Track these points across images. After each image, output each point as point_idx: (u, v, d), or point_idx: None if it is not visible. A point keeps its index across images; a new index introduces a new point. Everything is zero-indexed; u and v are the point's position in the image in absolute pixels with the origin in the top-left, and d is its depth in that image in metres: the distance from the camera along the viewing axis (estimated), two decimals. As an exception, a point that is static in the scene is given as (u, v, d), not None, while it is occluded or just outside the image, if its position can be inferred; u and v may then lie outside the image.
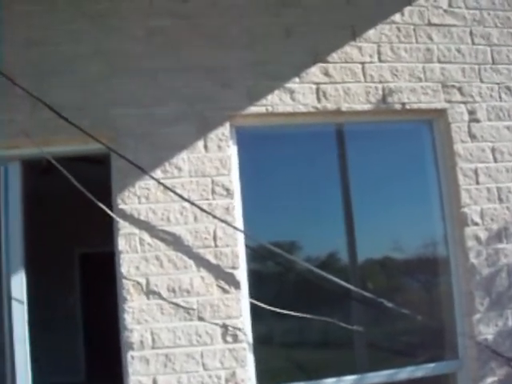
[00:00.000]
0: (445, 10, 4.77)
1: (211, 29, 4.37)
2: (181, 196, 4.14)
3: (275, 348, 4.53)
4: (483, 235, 4.49)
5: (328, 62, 4.47)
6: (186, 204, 4.16)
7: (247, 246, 4.29)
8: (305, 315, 4.19)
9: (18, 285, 4.33)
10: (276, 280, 4.55)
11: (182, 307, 4.10)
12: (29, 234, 4.40)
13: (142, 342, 4.05)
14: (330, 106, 4.43)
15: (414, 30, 4.68)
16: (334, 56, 4.48)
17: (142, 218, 4.14)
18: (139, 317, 4.07)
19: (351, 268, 4.62)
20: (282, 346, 4.55)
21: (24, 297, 4.34)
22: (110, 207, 4.18)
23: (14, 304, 4.31)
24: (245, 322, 4.18)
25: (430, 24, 4.71)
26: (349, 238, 4.61)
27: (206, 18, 4.38)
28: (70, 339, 7.97)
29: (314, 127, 4.54)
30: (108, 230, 6.85)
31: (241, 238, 4.26)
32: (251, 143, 4.37)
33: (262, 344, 4.26)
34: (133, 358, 4.02)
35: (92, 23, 4.33)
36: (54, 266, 6.65)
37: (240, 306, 4.15)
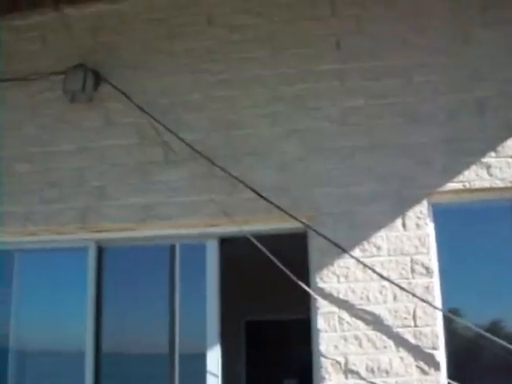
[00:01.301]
0: None
1: (405, 106, 4.39)
2: (380, 275, 4.12)
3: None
4: None
5: (524, 135, 4.35)
6: (386, 283, 4.13)
7: (446, 326, 4.18)
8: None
9: (214, 360, 4.42)
10: (474, 359, 4.40)
11: (381, 387, 4.03)
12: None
13: (339, 421, 4.01)
14: (529, 179, 4.30)
15: None
16: (530, 128, 4.37)
17: (341, 296, 4.15)
18: (337, 396, 4.04)
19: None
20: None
21: (219, 372, 4.41)
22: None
23: (209, 378, 4.39)
24: (443, 403, 4.06)
25: None
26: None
27: (400, 96, 4.40)
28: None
29: (510, 201, 4.40)
30: (272, 300, 6.96)
31: (440, 318, 4.16)
32: (447, 220, 4.31)
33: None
34: None
35: (287, 105, 4.47)
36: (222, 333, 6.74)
37: (439, 388, 4.04)
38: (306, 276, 4.30)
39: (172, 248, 4.68)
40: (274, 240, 4.41)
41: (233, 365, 7.83)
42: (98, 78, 4.77)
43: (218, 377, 4.41)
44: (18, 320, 4.83)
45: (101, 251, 4.72)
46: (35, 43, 5.12)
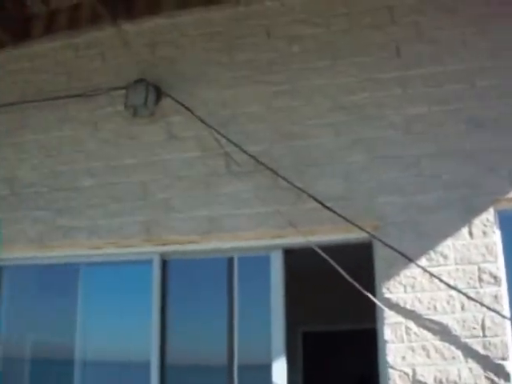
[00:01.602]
0: None
1: (469, 112, 4.32)
2: (448, 284, 4.07)
3: None
4: None
5: None
6: (453, 292, 4.07)
7: (517, 336, 4.10)
8: None
9: (280, 371, 4.41)
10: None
11: (450, 399, 3.97)
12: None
13: (406, 433, 3.96)
14: None
15: None
16: None
17: (408, 306, 4.10)
18: (405, 407, 3.99)
19: None
20: None
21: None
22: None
23: (275, 391, 4.39)
24: (513, 415, 3.97)
25: None
26: None
27: (464, 102, 4.34)
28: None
29: None
30: (328, 312, 6.92)
31: (510, 328, 4.08)
32: (513, 227, 4.23)
33: None
34: None
35: (349, 114, 4.46)
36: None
37: (509, 399, 3.96)
38: (370, 286, 4.27)
39: (230, 260, 4.68)
40: (337, 250, 4.40)
41: (290, 376, 7.84)
42: (159, 92, 4.84)
43: (284, 390, 4.39)
44: (84, 332, 4.90)
45: (165, 263, 4.76)
46: (95, 59, 5.23)
